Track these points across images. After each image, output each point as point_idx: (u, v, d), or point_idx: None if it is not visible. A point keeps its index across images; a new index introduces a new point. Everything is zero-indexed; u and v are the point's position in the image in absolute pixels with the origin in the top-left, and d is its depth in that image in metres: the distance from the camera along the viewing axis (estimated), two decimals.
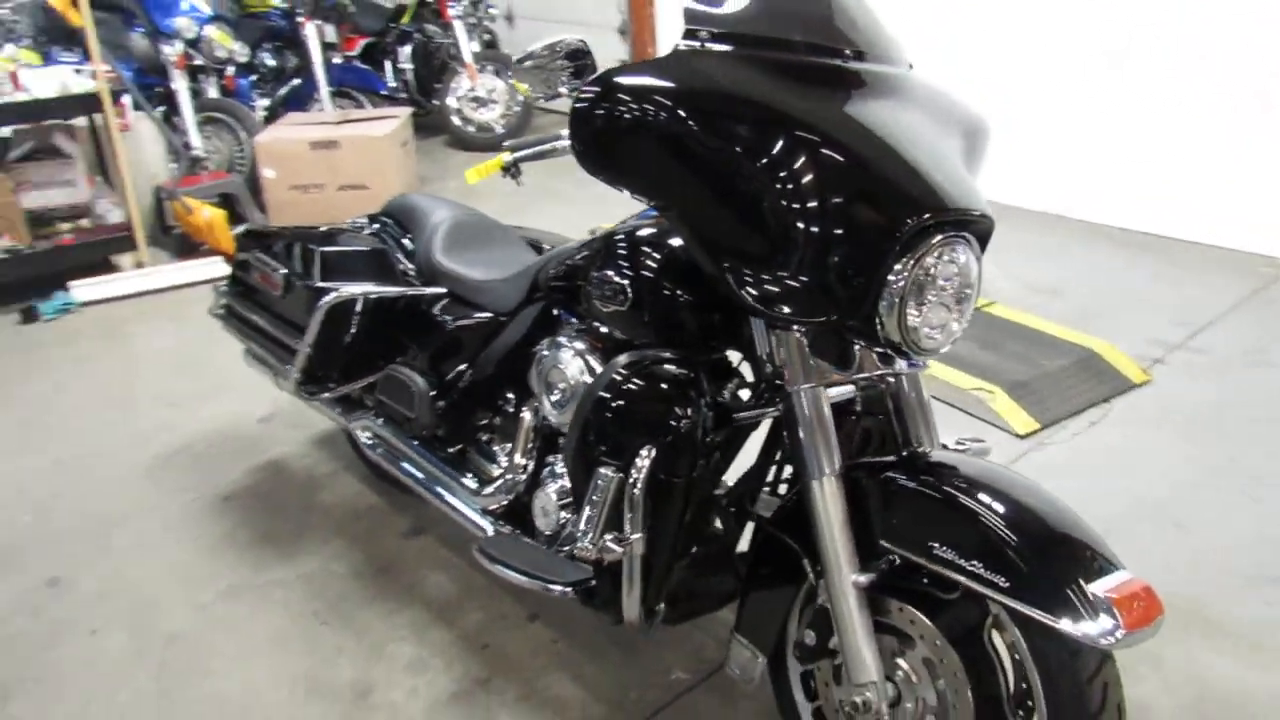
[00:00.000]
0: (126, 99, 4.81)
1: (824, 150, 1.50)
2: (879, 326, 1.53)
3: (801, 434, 1.62)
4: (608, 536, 1.64)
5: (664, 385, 1.68)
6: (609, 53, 7.15)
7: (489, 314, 2.29)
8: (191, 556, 2.66)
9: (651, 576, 1.72)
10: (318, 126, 5.35)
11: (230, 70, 5.69)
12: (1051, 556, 1.44)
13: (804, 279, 1.51)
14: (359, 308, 2.38)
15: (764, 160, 1.50)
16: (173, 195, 4.75)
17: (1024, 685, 1.52)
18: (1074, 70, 4.90)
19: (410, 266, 2.51)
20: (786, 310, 1.54)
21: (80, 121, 4.70)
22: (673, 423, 1.64)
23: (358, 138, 5.17)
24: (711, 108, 1.53)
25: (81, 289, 4.40)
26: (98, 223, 4.66)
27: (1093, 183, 4.96)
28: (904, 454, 1.75)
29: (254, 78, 5.93)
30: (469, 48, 6.49)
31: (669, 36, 7.17)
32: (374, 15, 7.06)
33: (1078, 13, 4.82)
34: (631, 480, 1.64)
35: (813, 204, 1.49)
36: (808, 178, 1.50)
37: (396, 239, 2.61)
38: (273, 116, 5.83)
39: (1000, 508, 1.50)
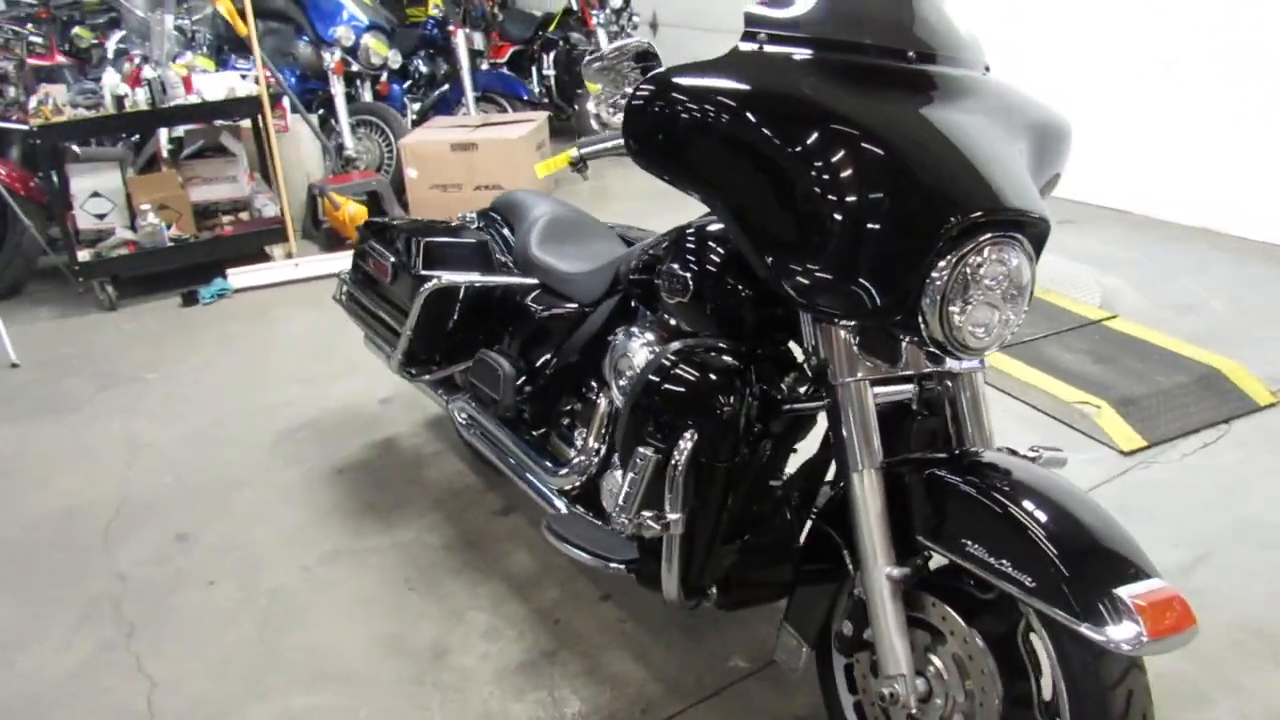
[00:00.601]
0: (286, 102, 5.19)
1: (869, 147, 1.52)
2: (923, 324, 1.54)
3: (844, 427, 1.65)
4: (645, 514, 1.71)
5: (710, 372, 1.74)
6: None
7: (575, 305, 2.39)
8: (300, 521, 2.88)
9: (693, 558, 1.78)
10: (459, 129, 5.63)
11: (384, 76, 6.05)
12: (1081, 561, 1.43)
13: (846, 274, 1.54)
14: (456, 295, 2.53)
15: (808, 156, 1.54)
16: (323, 192, 5.10)
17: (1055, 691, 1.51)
18: (1228, 82, 4.64)
19: (509, 258, 2.65)
20: (828, 305, 1.58)
21: (245, 123, 5.11)
22: (715, 409, 1.70)
23: (495, 140, 5.41)
24: (759, 106, 1.58)
25: (237, 276, 4.79)
26: (255, 216, 5.05)
27: (1241, 195, 4.68)
28: (954, 453, 1.75)
29: (407, 83, 6.29)
30: None
31: None
32: (522, 24, 7.36)
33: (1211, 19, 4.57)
34: (673, 462, 1.70)
35: (855, 199, 1.52)
36: (851, 174, 1.53)
37: (499, 232, 2.76)
38: (423, 120, 6.17)
39: (1038, 511, 1.49)
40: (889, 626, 1.61)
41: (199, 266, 4.83)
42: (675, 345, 1.81)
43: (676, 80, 1.61)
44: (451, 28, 6.23)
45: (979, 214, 1.50)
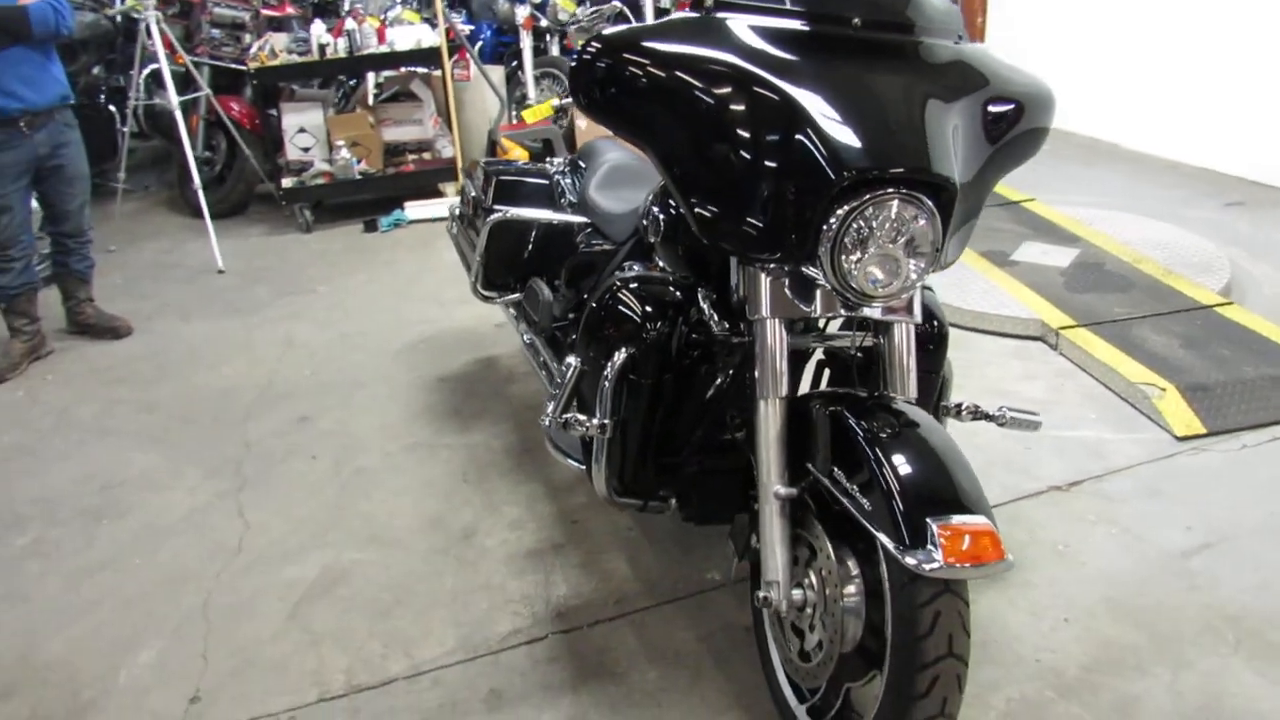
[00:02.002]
0: (470, 53, 5.70)
1: (777, 102, 1.69)
2: (819, 271, 1.71)
3: (755, 359, 1.84)
4: (569, 415, 1.97)
5: (643, 301, 1.96)
6: None
7: (611, 244, 2.66)
8: (397, 416, 3.35)
9: (623, 462, 2.03)
10: None
11: (571, 30, 6.45)
12: (914, 495, 1.57)
13: (752, 219, 1.72)
14: (516, 227, 2.86)
15: (722, 110, 1.73)
16: (497, 138, 5.59)
17: None
18: None
19: (573, 198, 2.95)
20: (737, 246, 1.77)
21: (437, 72, 5.66)
22: (642, 332, 1.93)
23: None
24: (686, 64, 1.77)
25: (413, 209, 5.37)
26: (435, 156, 5.61)
27: None
28: (870, 396, 1.88)
29: None
30: None
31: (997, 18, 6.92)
32: None
33: None
34: (604, 374, 1.96)
35: (760, 151, 1.70)
36: (758, 126, 1.71)
37: (575, 176, 3.06)
38: None
39: (899, 452, 1.63)
40: (770, 538, 1.80)
41: (383, 198, 5.45)
42: (621, 273, 2.05)
43: (619, 38, 1.83)
44: None
45: (871, 169, 1.64)
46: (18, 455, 3.29)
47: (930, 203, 1.68)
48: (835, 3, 1.88)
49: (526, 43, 6.13)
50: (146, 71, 5.43)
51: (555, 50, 6.39)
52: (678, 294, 1.99)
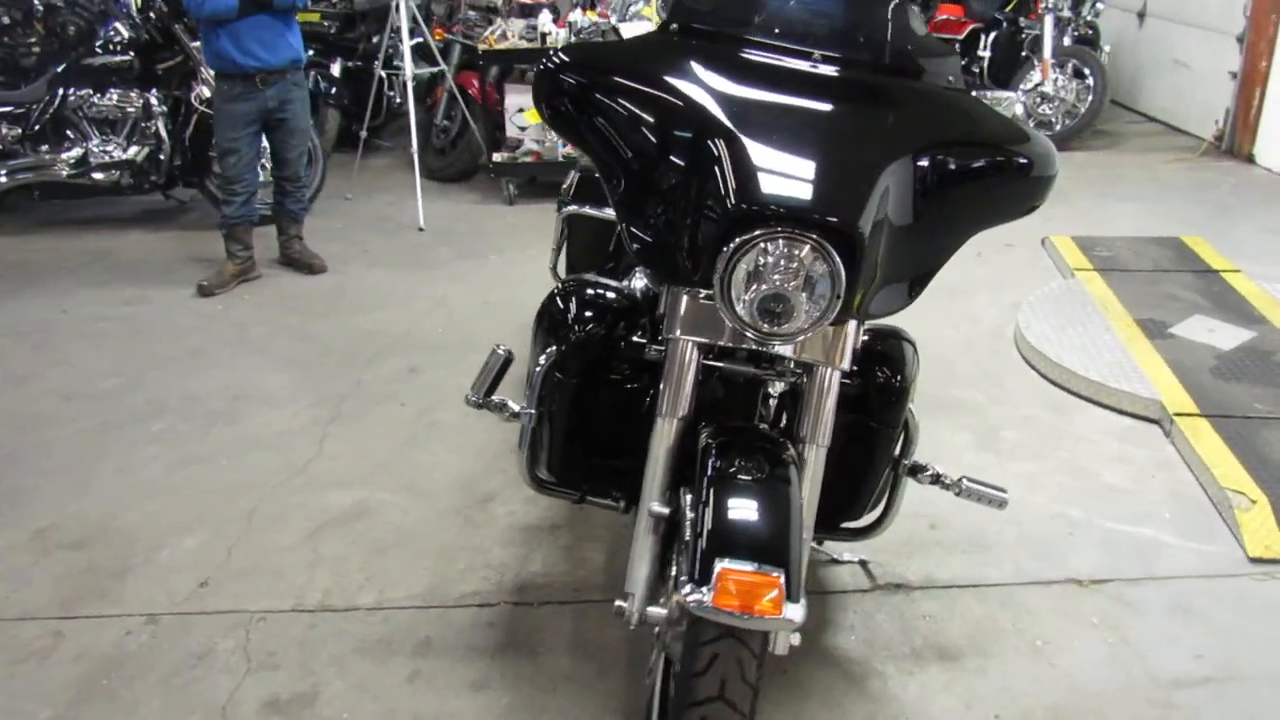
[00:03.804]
0: None
1: (703, 131, 1.73)
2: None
3: (663, 377, 1.88)
4: (492, 398, 2.09)
5: (581, 302, 2.05)
6: (1218, 62, 6.33)
7: None
8: None
9: (537, 451, 2.13)
10: None
11: None
12: (719, 533, 1.58)
13: (671, 243, 1.78)
14: (586, 221, 2.99)
15: (651, 133, 1.80)
16: None
17: None
18: None
19: None
20: (658, 268, 1.83)
21: None
22: (569, 333, 2.02)
23: None
24: (628, 84, 1.84)
25: None
26: None
27: None
28: (770, 434, 1.86)
29: None
30: (1052, 41, 6.31)
31: None
32: (988, 1, 7.18)
33: None
34: (536, 367, 2.07)
35: (683, 177, 1.76)
36: (683, 152, 1.77)
37: None
38: None
39: (742, 494, 1.64)
40: (637, 551, 1.85)
41: None
42: (572, 277, 2.14)
43: (578, 53, 1.92)
44: None
45: (766, 206, 1.63)
46: (191, 357, 3.89)
47: (829, 247, 1.64)
48: (797, 36, 1.87)
49: None
50: (413, 43, 6.09)
51: None
52: (619, 303, 2.06)
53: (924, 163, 1.78)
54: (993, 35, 6.73)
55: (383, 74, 6.33)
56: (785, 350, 1.85)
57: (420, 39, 6.20)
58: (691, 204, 1.73)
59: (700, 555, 1.55)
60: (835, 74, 1.84)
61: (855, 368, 1.98)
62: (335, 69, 6.25)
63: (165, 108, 5.20)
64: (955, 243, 1.94)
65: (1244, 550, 2.55)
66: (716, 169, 1.69)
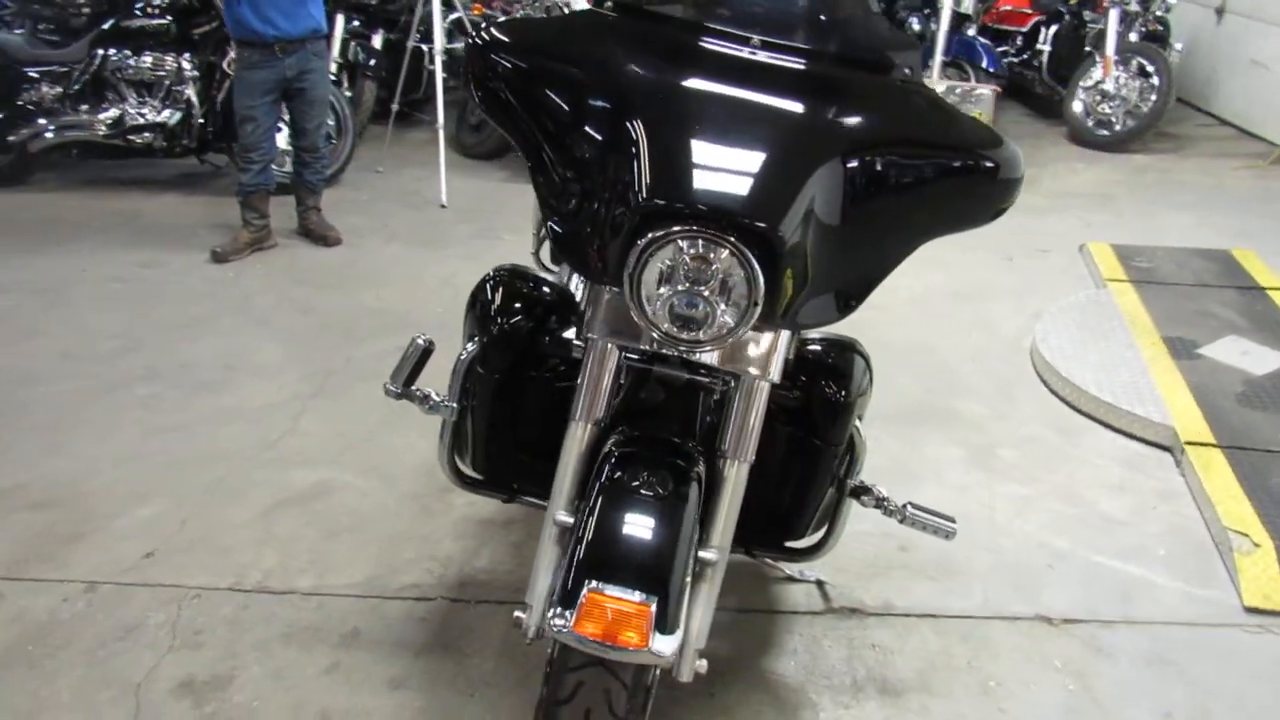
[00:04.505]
0: None
1: (614, 121, 1.63)
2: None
3: (580, 378, 1.77)
4: (411, 389, 2.01)
5: (508, 294, 1.95)
6: None
7: None
8: None
9: (475, 451, 2.03)
10: None
11: None
12: (594, 553, 1.49)
13: (589, 237, 1.67)
14: None
15: (571, 120, 1.69)
16: None
17: None
18: None
19: None
20: (576, 262, 1.72)
21: None
22: (491, 325, 1.92)
23: None
24: (553, 64, 1.73)
25: None
26: None
27: None
28: (686, 446, 1.74)
29: None
30: (1116, 37, 5.99)
31: None
32: None
33: None
34: (460, 356, 1.97)
35: (601, 168, 1.65)
36: (603, 142, 1.65)
37: None
38: None
39: (620, 507, 1.55)
40: (538, 560, 1.74)
41: None
42: (508, 267, 2.03)
43: (508, 28, 1.81)
44: None
45: (673, 203, 1.52)
46: (194, 324, 3.89)
47: (745, 250, 1.52)
48: (738, 20, 1.74)
49: None
50: (451, 18, 6.03)
51: None
52: (550, 296, 1.95)
53: (861, 163, 1.64)
54: (1054, 29, 6.42)
55: (423, 47, 6.28)
56: (708, 358, 1.73)
57: (458, 14, 6.15)
58: (606, 197, 1.62)
59: (571, 573, 1.46)
60: (774, 62, 1.70)
61: (796, 380, 1.87)
62: (377, 41, 6.22)
63: (198, 72, 5.22)
64: (903, 251, 1.79)
65: (1240, 598, 2.35)
66: (633, 161, 1.57)
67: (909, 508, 1.96)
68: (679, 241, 1.52)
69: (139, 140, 5.31)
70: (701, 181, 1.54)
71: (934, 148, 1.70)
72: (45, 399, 3.30)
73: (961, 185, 1.75)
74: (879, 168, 1.65)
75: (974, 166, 1.73)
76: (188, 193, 5.52)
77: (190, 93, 5.25)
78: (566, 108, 1.70)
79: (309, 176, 4.70)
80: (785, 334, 1.73)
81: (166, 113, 5.27)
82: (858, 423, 1.95)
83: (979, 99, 2.22)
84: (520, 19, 1.93)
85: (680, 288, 1.56)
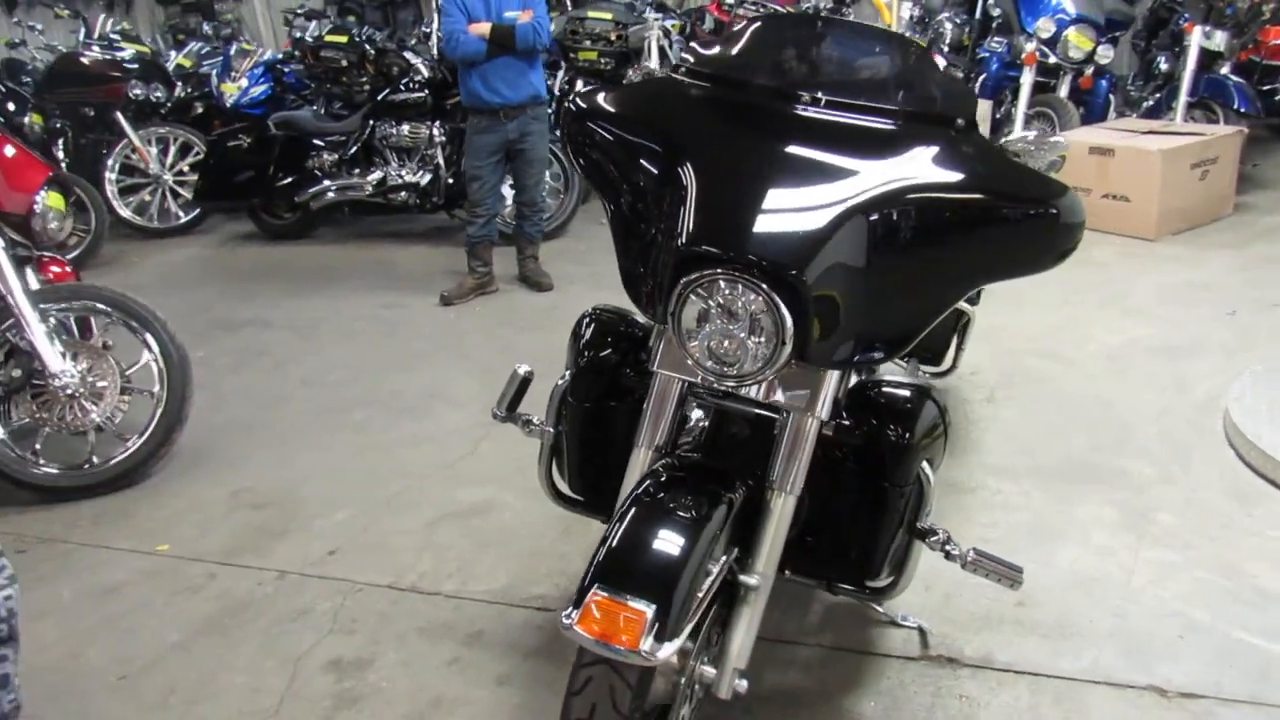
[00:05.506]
0: None
1: (669, 173, 1.83)
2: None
3: (645, 408, 1.95)
4: (515, 413, 2.24)
5: (598, 329, 2.15)
6: None
7: None
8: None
9: (556, 467, 2.24)
10: (1116, 133, 5.35)
11: (1088, 70, 5.94)
12: (608, 560, 1.66)
13: (639, 278, 1.88)
14: None
15: (635, 172, 1.89)
16: None
17: None
18: None
19: None
20: (632, 298, 1.92)
21: None
22: (580, 358, 2.13)
23: (1131, 149, 5.06)
24: (621, 127, 1.94)
25: None
26: None
27: None
28: (727, 474, 1.86)
29: (1115, 78, 6.05)
30: None
31: None
32: None
33: None
34: (555, 387, 2.20)
35: (653, 215, 1.85)
36: (652, 195, 1.86)
37: None
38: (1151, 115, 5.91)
39: (643, 523, 1.71)
40: None
41: None
42: (604, 306, 2.23)
43: (590, 96, 2.03)
44: (1186, 23, 5.74)
45: (700, 246, 1.68)
46: (413, 358, 4.42)
47: (769, 291, 1.64)
48: (790, 78, 1.87)
49: (1027, 79, 5.85)
50: None
51: (1064, 90, 5.95)
52: (638, 332, 2.14)
53: (898, 213, 1.71)
54: None
55: None
56: (755, 393, 1.86)
57: None
58: (658, 243, 1.80)
59: (588, 575, 1.62)
60: (821, 117, 1.82)
61: (863, 421, 1.93)
62: None
63: (444, 138, 5.89)
64: (952, 296, 1.84)
65: None
66: (679, 210, 1.75)
67: (972, 553, 1.95)
68: (720, 283, 1.67)
69: (397, 199, 6.06)
70: (735, 229, 1.69)
71: (979, 197, 1.74)
72: (285, 418, 3.89)
73: (1014, 232, 1.77)
74: (915, 218, 1.72)
75: (1026, 214, 1.75)
76: (436, 244, 6.21)
77: (440, 156, 5.94)
78: (634, 164, 1.91)
79: (528, 228, 5.17)
80: (833, 373, 1.83)
81: (420, 174, 5.99)
82: (927, 466, 1.98)
83: (1053, 146, 2.17)
84: (598, 88, 2.16)
85: (712, 326, 1.71)
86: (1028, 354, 3.92)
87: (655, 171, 1.87)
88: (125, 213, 6.55)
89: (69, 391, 3.18)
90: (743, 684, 1.82)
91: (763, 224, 1.68)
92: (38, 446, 3.23)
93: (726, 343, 1.71)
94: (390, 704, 2.32)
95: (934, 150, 1.78)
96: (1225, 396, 3.36)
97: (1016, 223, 1.75)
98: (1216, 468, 3.03)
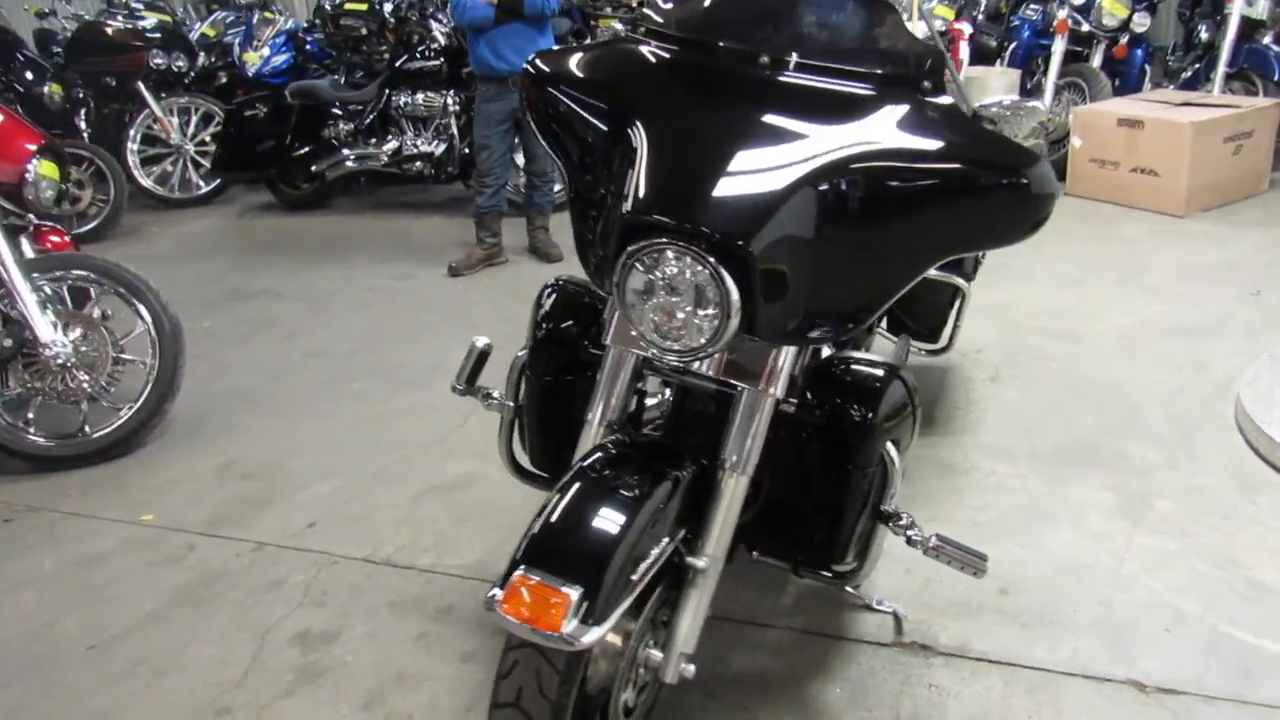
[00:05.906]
0: (964, 51, 5.46)
1: (629, 136, 1.75)
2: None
3: (598, 381, 1.89)
4: (475, 386, 2.19)
5: (555, 301, 2.09)
6: None
7: None
8: None
9: (529, 445, 2.19)
10: (1148, 104, 5.15)
11: (1123, 39, 5.72)
12: (538, 540, 1.61)
13: (596, 249, 1.81)
14: None
15: (589, 141, 1.83)
16: None
17: None
18: None
19: None
20: (585, 268, 1.86)
21: None
22: (539, 332, 2.07)
23: (1161, 121, 4.86)
24: (579, 89, 1.87)
25: None
26: None
27: None
28: (676, 453, 1.79)
29: (1152, 48, 5.82)
30: None
31: None
32: None
33: None
34: (514, 361, 2.15)
35: (605, 182, 1.79)
36: (604, 161, 1.79)
37: None
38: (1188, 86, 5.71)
39: (580, 502, 1.65)
40: None
41: None
42: (565, 278, 2.17)
43: (549, 58, 1.96)
44: None
45: (647, 214, 1.61)
46: (419, 329, 4.40)
47: (714, 262, 1.57)
48: (750, 38, 1.79)
49: (1058, 47, 5.65)
50: None
51: (1097, 59, 5.73)
52: (597, 304, 2.07)
53: (855, 182, 1.63)
54: None
55: None
56: (703, 367, 1.79)
57: None
58: (607, 212, 1.74)
59: (517, 555, 1.58)
60: (777, 79, 1.73)
61: (826, 399, 1.86)
62: None
63: (459, 107, 5.84)
64: (914, 269, 1.74)
65: None
66: (627, 177, 1.68)
67: (935, 538, 1.88)
68: (667, 252, 1.60)
69: (412, 169, 6.03)
70: (682, 196, 1.62)
71: (943, 165, 1.65)
72: (288, 389, 3.88)
73: (981, 203, 1.68)
74: (872, 186, 1.63)
75: (996, 183, 1.65)
76: (450, 214, 6.18)
77: (454, 126, 5.89)
78: (588, 126, 1.84)
79: (537, 199, 5.11)
80: (789, 349, 1.76)
81: (435, 144, 5.95)
82: (892, 448, 1.90)
83: (1031, 111, 2.05)
84: (555, 50, 2.10)
85: (657, 299, 1.64)
86: (1036, 332, 3.79)
87: (607, 135, 1.80)
88: (146, 183, 6.59)
89: (60, 361, 3.19)
90: (690, 669, 1.77)
91: (710, 191, 1.60)
92: (30, 416, 3.26)
93: (678, 315, 1.64)
94: (353, 678, 2.31)
95: (897, 115, 1.68)
96: (1239, 380, 3.22)
97: (984, 192, 1.65)
98: (1224, 454, 2.91)
